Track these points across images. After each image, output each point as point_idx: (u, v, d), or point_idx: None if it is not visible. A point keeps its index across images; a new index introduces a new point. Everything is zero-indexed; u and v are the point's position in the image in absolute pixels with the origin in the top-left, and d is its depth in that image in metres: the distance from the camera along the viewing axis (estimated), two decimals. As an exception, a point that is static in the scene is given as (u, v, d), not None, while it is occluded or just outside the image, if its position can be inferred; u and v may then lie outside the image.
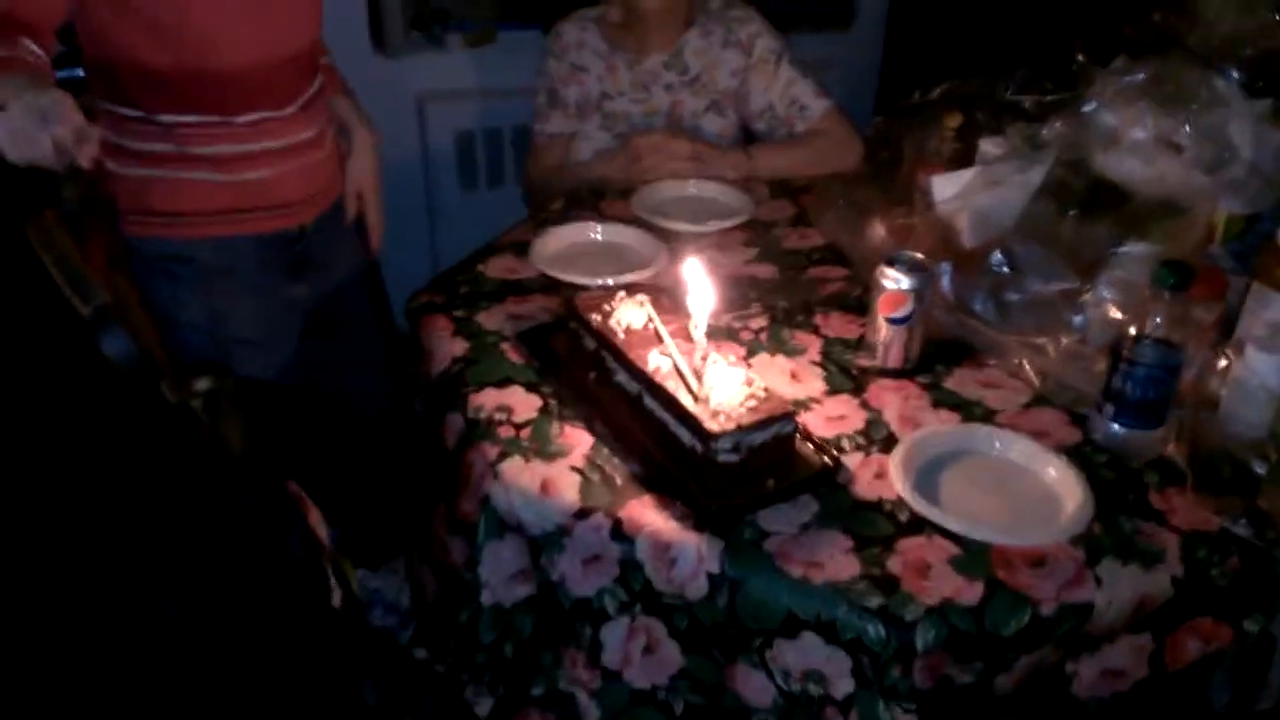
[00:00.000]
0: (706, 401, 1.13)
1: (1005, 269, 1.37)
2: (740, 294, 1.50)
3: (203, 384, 0.94)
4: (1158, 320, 1.13)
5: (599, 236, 1.64)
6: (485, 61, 2.49)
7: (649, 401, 1.18)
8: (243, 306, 1.48)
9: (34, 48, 1.23)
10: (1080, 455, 1.19)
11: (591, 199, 1.82)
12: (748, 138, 2.02)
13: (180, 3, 1.32)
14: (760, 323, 1.44)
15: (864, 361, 1.35)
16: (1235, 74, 1.41)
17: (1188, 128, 1.40)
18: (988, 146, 1.53)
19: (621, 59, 1.97)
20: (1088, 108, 1.47)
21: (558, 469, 1.16)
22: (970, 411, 1.27)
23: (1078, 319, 1.32)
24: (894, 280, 1.28)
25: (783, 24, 2.51)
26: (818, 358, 1.37)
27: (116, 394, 0.96)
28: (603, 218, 1.71)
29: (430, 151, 2.53)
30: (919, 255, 1.31)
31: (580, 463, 1.17)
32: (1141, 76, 1.45)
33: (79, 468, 1.75)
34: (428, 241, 2.59)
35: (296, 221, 1.53)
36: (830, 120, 1.94)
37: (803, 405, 1.27)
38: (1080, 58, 1.46)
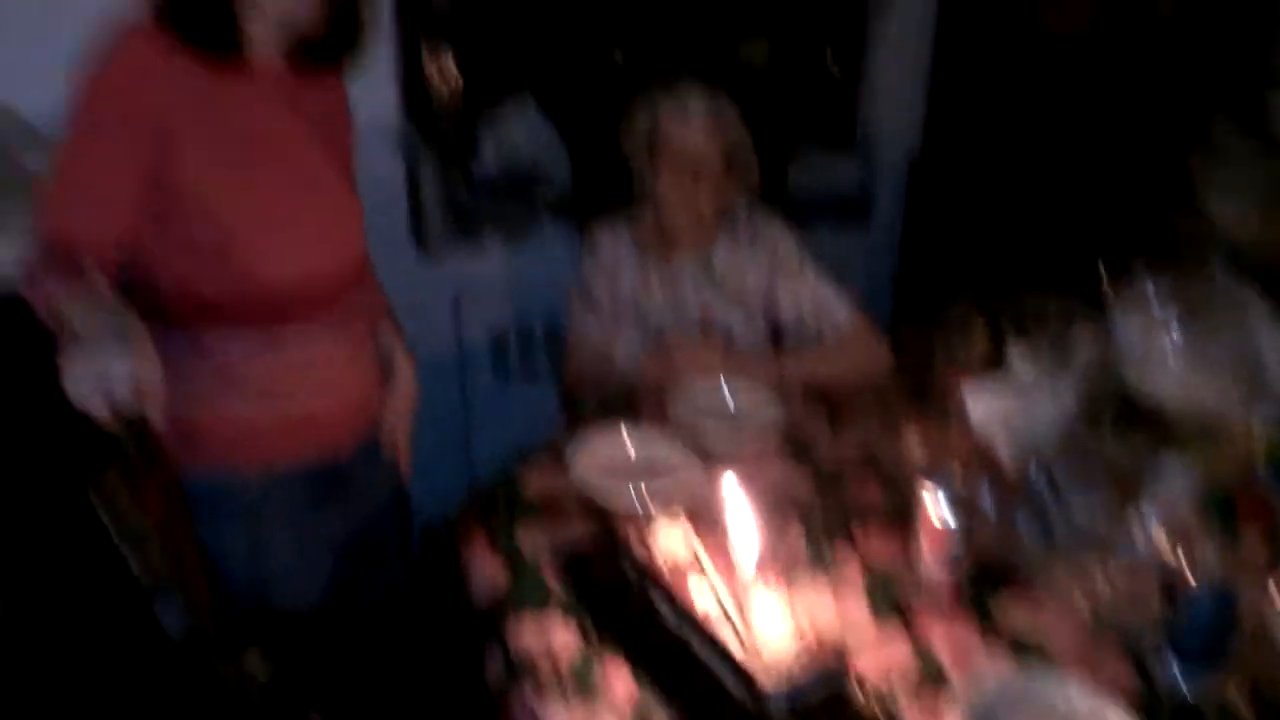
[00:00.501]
0: (755, 651, 1.11)
1: (1044, 486, 1.37)
2: (777, 508, 1.49)
3: (253, 662, 0.94)
4: (1209, 558, 1.12)
5: (637, 452, 1.65)
6: (521, 260, 2.57)
7: (695, 645, 1.17)
8: (282, 537, 1.46)
9: (100, 276, 1.19)
10: (1144, 698, 1.15)
11: (628, 403, 1.84)
12: (775, 336, 2.06)
13: (224, 222, 1.32)
14: (798, 543, 1.43)
15: (909, 590, 1.33)
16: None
17: (1216, 344, 1.41)
18: (1018, 361, 1.55)
19: (654, 263, 2.03)
20: (1116, 326, 1.49)
21: (601, 712, 1.14)
22: (1025, 650, 1.24)
23: (1125, 543, 1.31)
24: (939, 513, 1.28)
25: (800, 220, 2.62)
26: (860, 582, 1.35)
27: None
28: (640, 426, 1.72)
29: (465, 347, 2.58)
30: (957, 478, 1.31)
31: (624, 708, 1.15)
32: (1165, 295, 1.48)
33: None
34: (462, 434, 2.61)
35: (337, 449, 1.50)
36: (857, 327, 1.97)
37: (850, 645, 1.23)
38: (1103, 273, 1.49)
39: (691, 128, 1.91)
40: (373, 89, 1.52)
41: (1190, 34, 2.80)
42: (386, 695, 1.50)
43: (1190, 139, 2.56)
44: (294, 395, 1.43)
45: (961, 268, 2.65)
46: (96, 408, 1.04)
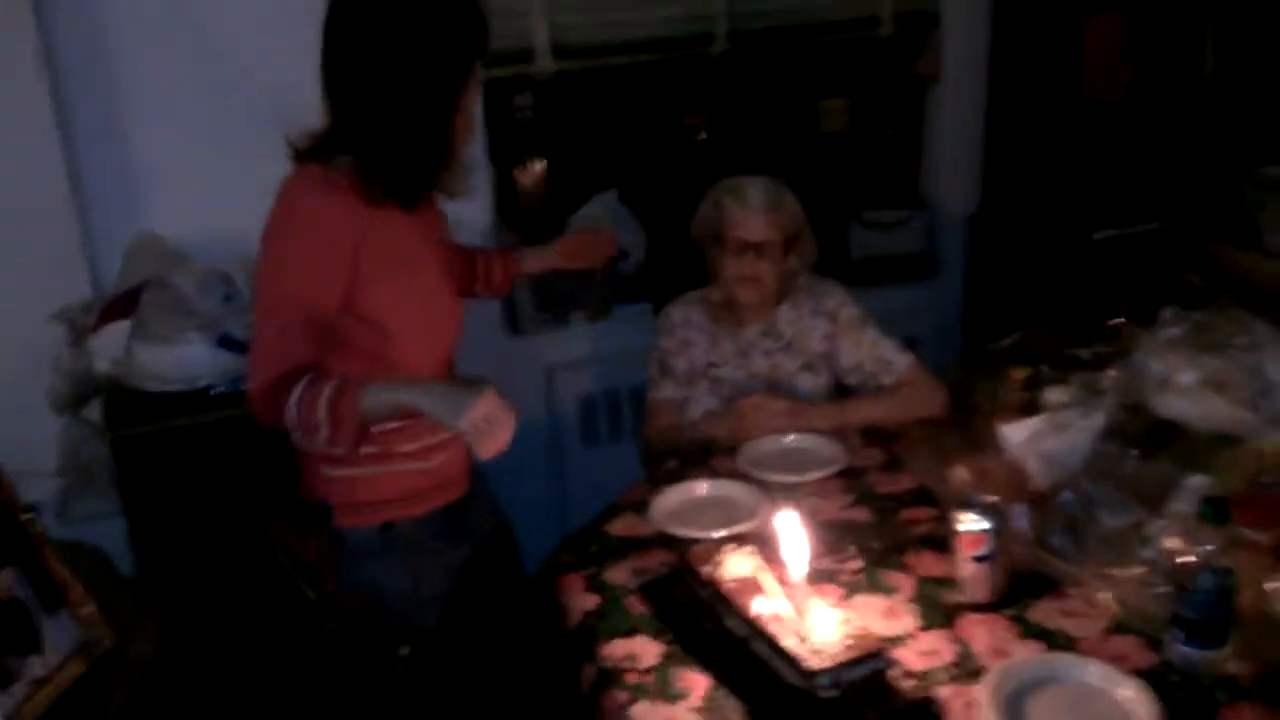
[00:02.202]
0: (807, 642, 1.29)
1: (1076, 506, 1.52)
2: (837, 538, 1.67)
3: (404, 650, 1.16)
4: (1208, 549, 1.26)
5: (708, 492, 1.85)
6: (602, 334, 2.82)
7: (756, 645, 1.35)
8: (433, 568, 1.73)
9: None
10: (1157, 676, 1.29)
11: (702, 456, 2.04)
12: (841, 393, 2.24)
13: (384, 329, 1.60)
14: (856, 564, 1.60)
15: (953, 597, 1.49)
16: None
17: (1230, 369, 1.56)
18: (1052, 395, 1.71)
19: (725, 331, 2.25)
20: (1140, 356, 1.65)
21: (680, 711, 1.33)
22: (1054, 640, 1.39)
23: (1147, 551, 1.44)
24: (970, 523, 1.45)
25: (870, 281, 2.81)
26: (911, 595, 1.52)
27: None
28: (712, 473, 1.92)
29: (556, 414, 2.83)
30: (992, 498, 1.47)
31: (699, 703, 1.33)
32: (1185, 327, 1.63)
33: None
34: (557, 496, 2.84)
35: (460, 493, 1.79)
36: (914, 372, 2.15)
37: (897, 641, 1.41)
38: (1121, 319, 1.65)
39: (752, 217, 2.13)
40: (468, 199, 1.82)
41: (1234, 90, 2.95)
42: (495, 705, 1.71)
43: (1231, 185, 2.69)
44: (436, 455, 1.72)
45: (1022, 314, 2.80)
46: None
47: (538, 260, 2.15)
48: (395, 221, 1.59)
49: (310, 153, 1.60)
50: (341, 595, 1.40)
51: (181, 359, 2.07)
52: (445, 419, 1.46)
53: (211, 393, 2.10)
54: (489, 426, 1.44)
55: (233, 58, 2.45)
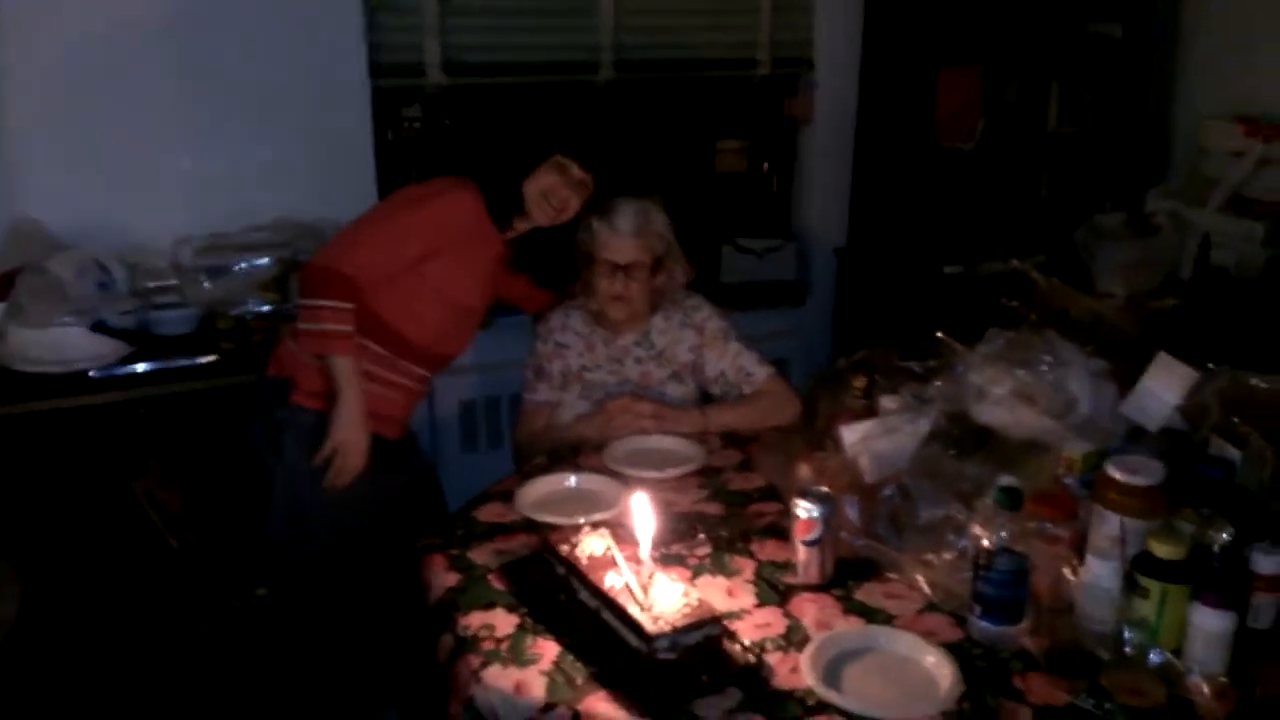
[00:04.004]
0: (650, 611, 1.40)
1: (899, 499, 1.68)
2: (689, 527, 1.79)
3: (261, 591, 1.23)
4: (1003, 534, 1.42)
5: (573, 484, 1.96)
6: (484, 342, 2.90)
7: (605, 614, 1.46)
8: (364, 474, 2.10)
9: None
10: (960, 649, 1.44)
11: (570, 455, 2.15)
12: (705, 400, 2.38)
13: (443, 308, 2.21)
14: (705, 550, 1.73)
15: (789, 579, 1.63)
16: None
17: (1037, 383, 1.74)
18: (886, 402, 1.87)
19: (600, 338, 2.37)
20: (961, 369, 1.83)
21: (529, 673, 1.42)
22: (874, 617, 1.54)
23: (960, 540, 1.61)
24: (805, 510, 1.59)
25: (742, 303, 2.97)
26: (751, 577, 1.65)
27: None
28: (578, 469, 2.03)
29: (437, 418, 2.90)
30: (825, 489, 1.62)
31: (548, 667, 1.43)
32: (1000, 344, 1.82)
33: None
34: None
35: (396, 435, 2.25)
36: (772, 383, 2.31)
37: (735, 615, 1.53)
38: (940, 335, 1.83)
39: (621, 240, 2.26)
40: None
41: (1077, 142, 3.24)
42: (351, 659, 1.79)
43: (1068, 227, 2.96)
44: (389, 391, 2.21)
45: (883, 337, 3.01)
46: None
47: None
48: (491, 241, 2.22)
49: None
50: (195, 538, 1.49)
51: (57, 342, 2.09)
52: (337, 426, 2.03)
53: (91, 375, 2.12)
54: (344, 456, 2.04)
55: (116, 43, 2.48)
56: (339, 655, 1.93)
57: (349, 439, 2.04)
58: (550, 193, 2.18)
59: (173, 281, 2.43)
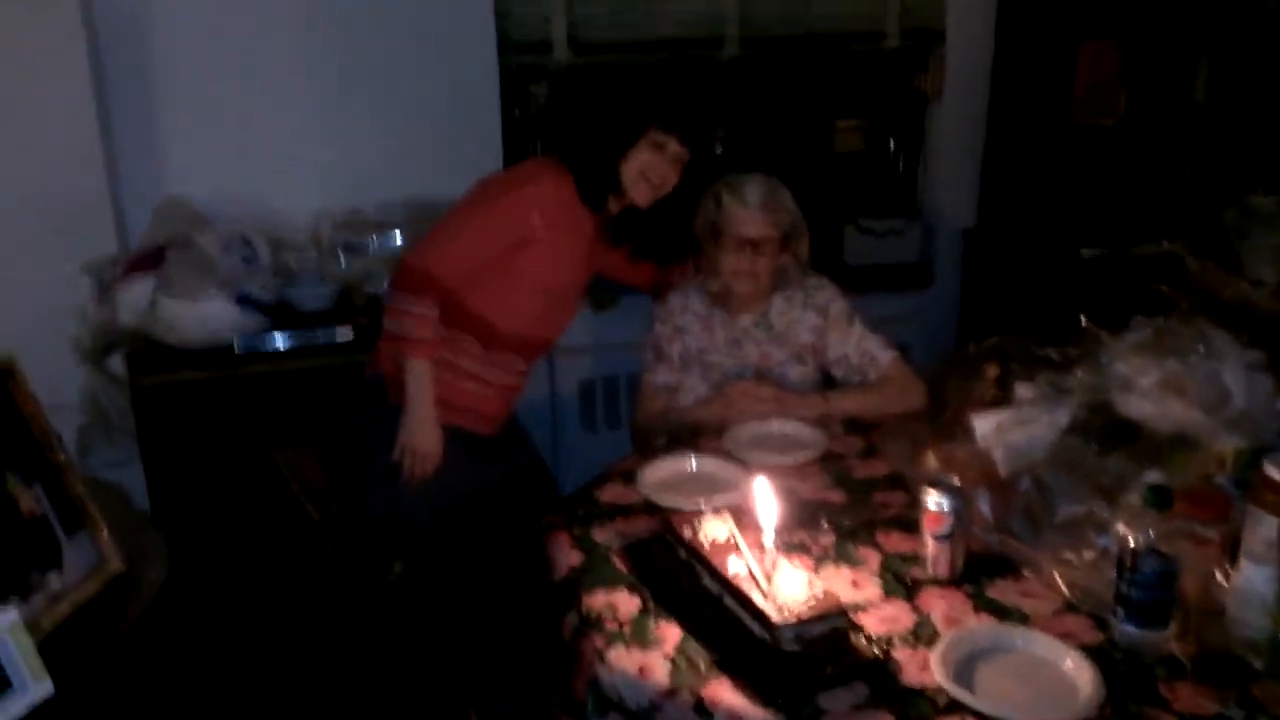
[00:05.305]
0: (774, 600, 1.39)
1: (1035, 493, 1.61)
2: (813, 515, 1.76)
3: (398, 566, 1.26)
4: (1150, 534, 1.35)
5: (694, 467, 1.95)
6: (605, 323, 2.92)
7: (728, 600, 1.45)
8: (456, 471, 2.12)
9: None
10: (1101, 653, 1.38)
11: (690, 438, 2.14)
12: (827, 384, 2.34)
13: (540, 297, 2.19)
14: (829, 540, 1.70)
15: (916, 572, 1.59)
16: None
17: (1189, 374, 1.65)
18: (1022, 391, 1.80)
19: (718, 320, 2.35)
20: (1105, 358, 1.74)
21: (653, 656, 1.42)
22: (1008, 616, 1.48)
23: (1101, 538, 1.54)
24: (935, 502, 1.54)
25: (864, 285, 2.90)
26: (877, 569, 1.61)
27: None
28: (699, 452, 2.02)
29: (557, 398, 2.93)
30: (956, 481, 1.57)
31: (671, 651, 1.43)
32: (1148, 333, 1.73)
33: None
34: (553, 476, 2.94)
35: (491, 431, 2.26)
36: (897, 369, 2.25)
37: (860, 607, 1.50)
38: (1084, 322, 1.75)
39: (751, 214, 2.23)
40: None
41: (1226, 118, 3.05)
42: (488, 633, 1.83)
43: (1214, 210, 2.80)
44: (485, 387, 2.21)
45: (1012, 324, 2.92)
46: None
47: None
48: (580, 227, 2.18)
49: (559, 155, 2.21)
50: (338, 511, 1.54)
51: (204, 315, 2.18)
52: (404, 431, 2.03)
53: (238, 350, 2.21)
54: (413, 458, 2.04)
55: (256, 26, 2.56)
56: (462, 633, 1.98)
57: (415, 445, 2.05)
58: (649, 170, 2.13)
59: (312, 255, 2.50)
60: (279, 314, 2.40)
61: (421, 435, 2.05)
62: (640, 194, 2.16)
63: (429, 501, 2.11)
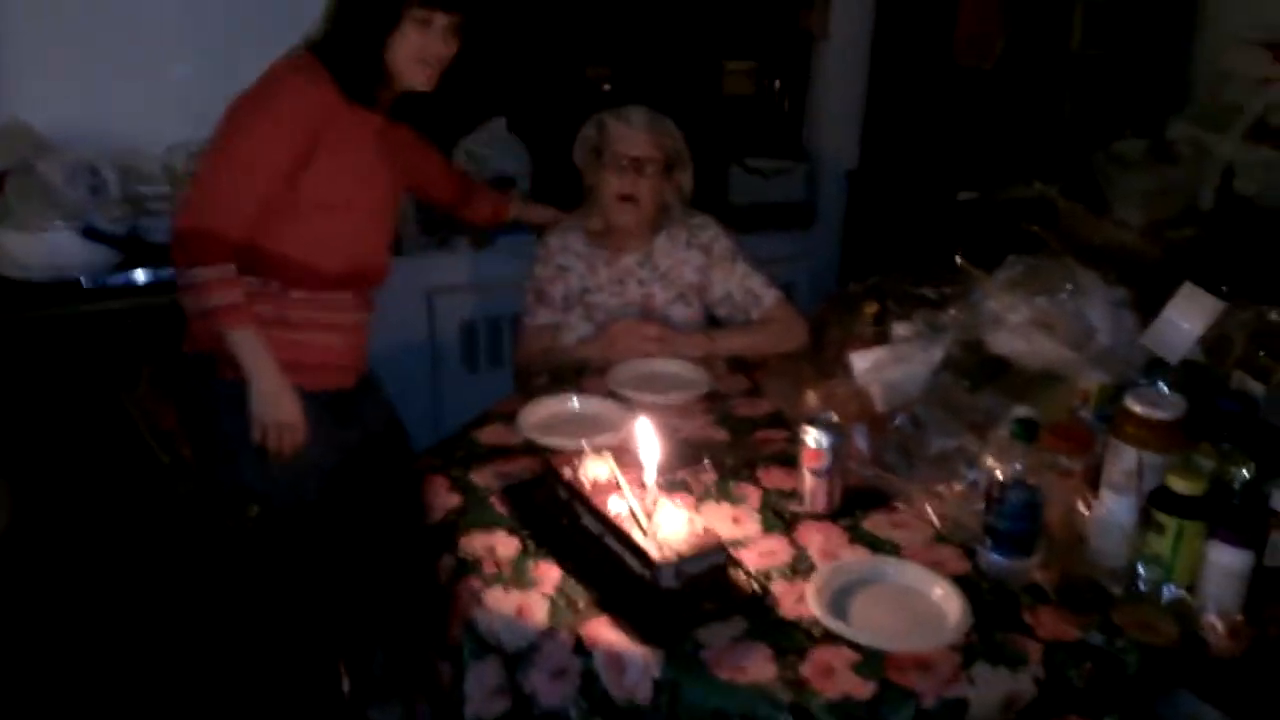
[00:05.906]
0: (654, 538, 1.37)
1: (910, 428, 1.64)
2: (694, 453, 1.76)
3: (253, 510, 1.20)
4: (1017, 466, 1.39)
5: (576, 407, 1.92)
6: (485, 261, 2.84)
7: (608, 540, 1.43)
8: (313, 441, 1.88)
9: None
10: (969, 582, 1.42)
11: (573, 377, 2.11)
12: (711, 323, 2.33)
13: (336, 220, 1.88)
14: (710, 477, 1.70)
15: (795, 507, 1.60)
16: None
17: (1057, 311, 1.69)
18: (899, 329, 1.82)
19: (601, 259, 2.31)
20: (978, 296, 1.77)
21: (532, 597, 1.40)
22: (881, 547, 1.51)
23: (970, 471, 1.58)
24: (814, 439, 1.55)
25: (749, 225, 2.90)
26: (757, 505, 1.62)
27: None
28: (581, 392, 1.99)
29: (437, 338, 2.85)
30: (835, 417, 1.58)
31: (550, 591, 1.41)
32: (1019, 271, 1.76)
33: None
34: (432, 417, 2.87)
35: (348, 383, 2.01)
36: (780, 308, 2.26)
37: (740, 543, 1.51)
38: (960, 261, 1.78)
39: (635, 133, 2.19)
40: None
41: (1099, 64, 3.13)
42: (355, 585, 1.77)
43: (1088, 153, 2.88)
44: (329, 333, 1.95)
45: (892, 265, 2.97)
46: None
47: (534, 213, 2.45)
48: (361, 131, 1.88)
49: (309, 46, 1.86)
50: (190, 456, 1.45)
51: (47, 247, 2.03)
52: (257, 407, 1.79)
53: (85, 285, 2.08)
54: (278, 431, 1.81)
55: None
56: (329, 583, 1.90)
57: (274, 417, 1.80)
58: (424, 53, 1.85)
59: (166, 189, 2.35)
60: (130, 247, 2.24)
61: (277, 406, 1.80)
62: (420, 78, 1.87)
63: (304, 479, 1.90)
